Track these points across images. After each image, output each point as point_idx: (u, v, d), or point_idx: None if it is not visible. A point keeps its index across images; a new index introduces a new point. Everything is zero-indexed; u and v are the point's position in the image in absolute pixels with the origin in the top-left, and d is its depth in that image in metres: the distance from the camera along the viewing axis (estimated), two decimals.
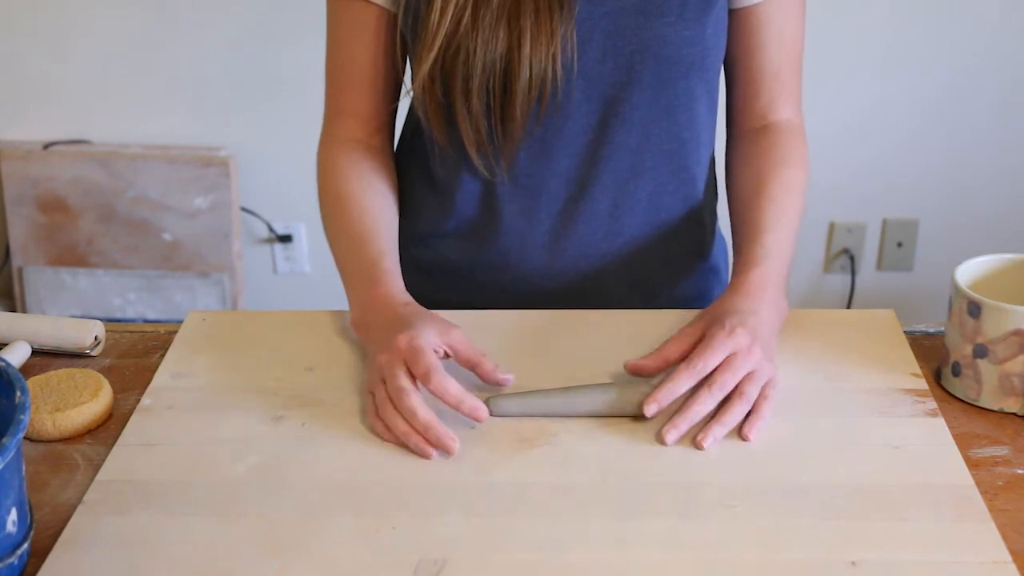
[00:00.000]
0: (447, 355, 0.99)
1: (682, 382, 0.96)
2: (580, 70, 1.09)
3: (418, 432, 0.93)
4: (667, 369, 1.00)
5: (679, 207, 1.20)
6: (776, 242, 1.08)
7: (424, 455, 0.93)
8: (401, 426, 0.94)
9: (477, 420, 0.95)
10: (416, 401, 0.94)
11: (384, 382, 0.97)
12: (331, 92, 1.20)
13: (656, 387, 0.96)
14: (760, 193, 1.12)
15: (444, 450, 0.93)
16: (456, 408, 0.95)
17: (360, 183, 1.16)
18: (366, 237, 1.11)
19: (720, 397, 0.96)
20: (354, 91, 1.18)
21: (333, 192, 1.16)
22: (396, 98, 1.20)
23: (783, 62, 1.16)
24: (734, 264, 1.10)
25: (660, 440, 0.94)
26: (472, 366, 0.99)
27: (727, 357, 0.97)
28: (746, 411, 0.96)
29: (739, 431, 0.95)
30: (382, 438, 0.96)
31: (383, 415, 0.95)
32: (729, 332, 0.97)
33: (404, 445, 0.94)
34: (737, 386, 0.96)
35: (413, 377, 0.96)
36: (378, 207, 1.15)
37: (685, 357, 0.99)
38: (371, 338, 1.02)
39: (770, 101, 1.17)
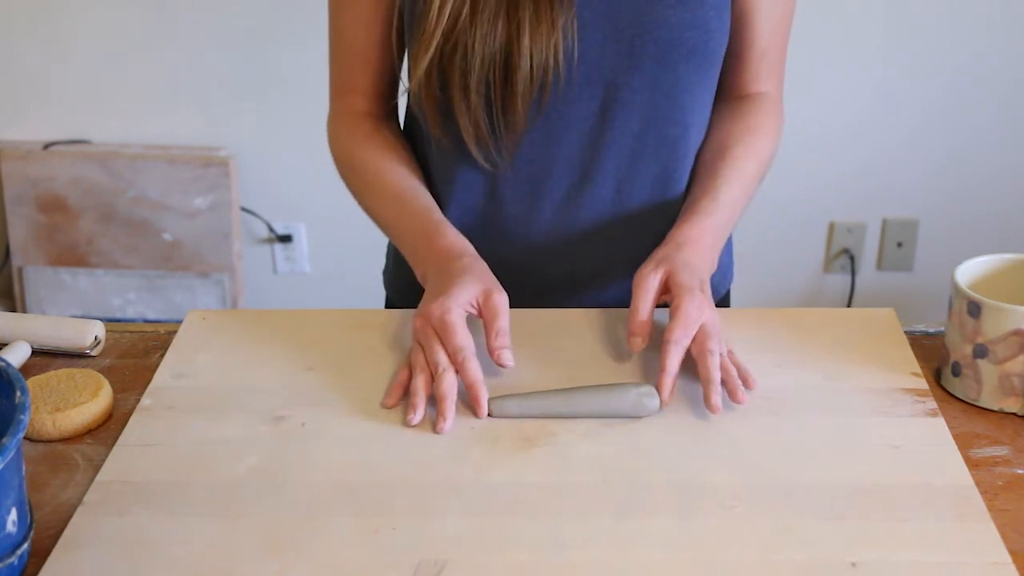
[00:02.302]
0: (479, 313, 1.02)
1: (676, 362, 0.98)
2: (580, 55, 1.09)
3: (426, 397, 0.97)
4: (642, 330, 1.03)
5: (684, 192, 1.20)
6: (728, 199, 1.12)
7: (407, 415, 0.96)
8: (419, 383, 0.98)
9: (476, 411, 0.97)
10: (449, 381, 0.97)
11: (422, 346, 1.00)
12: (335, 70, 1.21)
13: (659, 381, 0.98)
14: (724, 153, 1.16)
15: (437, 420, 0.96)
16: (468, 389, 0.98)
17: (382, 150, 1.18)
18: (410, 196, 1.14)
19: (719, 360, 0.98)
20: (359, 68, 1.19)
21: (360, 163, 1.18)
22: (399, 75, 1.21)
23: (770, 41, 1.18)
24: (683, 208, 1.13)
25: (715, 411, 0.96)
26: (485, 333, 1.01)
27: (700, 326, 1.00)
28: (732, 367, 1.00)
29: (745, 383, 1.00)
30: (393, 384, 1.00)
31: (413, 370, 1.00)
32: (699, 306, 1.00)
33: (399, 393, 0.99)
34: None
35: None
36: (409, 171, 1.18)
37: (654, 308, 1.03)
38: (426, 290, 1.06)
39: (754, 75, 1.20)
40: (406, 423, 0.97)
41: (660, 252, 1.07)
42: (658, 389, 0.97)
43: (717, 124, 1.20)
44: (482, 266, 1.06)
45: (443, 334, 0.99)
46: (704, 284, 1.04)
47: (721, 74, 1.19)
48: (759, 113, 1.19)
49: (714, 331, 1.00)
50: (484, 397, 0.97)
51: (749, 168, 1.15)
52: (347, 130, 1.20)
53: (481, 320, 1.02)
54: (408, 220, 1.13)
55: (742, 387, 0.99)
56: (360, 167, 1.19)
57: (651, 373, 1.03)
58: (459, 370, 0.98)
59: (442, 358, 0.98)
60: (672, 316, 1.00)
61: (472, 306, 1.02)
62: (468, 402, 0.98)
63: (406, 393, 1.00)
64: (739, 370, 1.01)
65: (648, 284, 1.04)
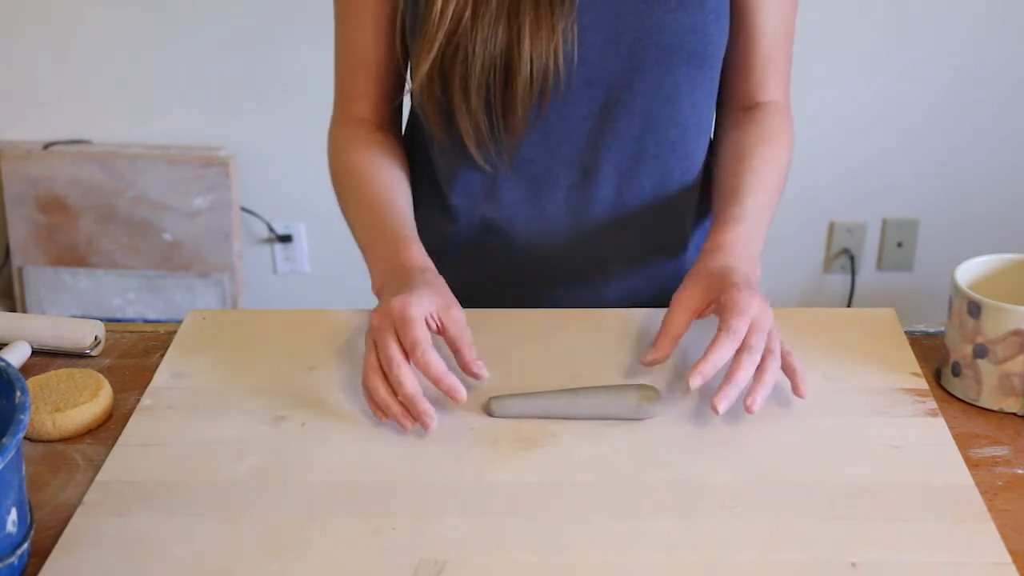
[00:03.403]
0: (439, 329, 1.00)
1: (726, 349, 0.94)
2: (581, 58, 1.09)
3: (400, 403, 0.95)
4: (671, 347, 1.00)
5: (683, 193, 1.20)
6: (755, 205, 1.09)
7: (402, 427, 0.94)
8: (382, 395, 0.95)
9: (455, 400, 0.95)
10: (404, 372, 0.94)
11: (375, 346, 0.97)
12: (340, 76, 1.21)
13: (700, 360, 0.94)
14: (742, 162, 1.14)
15: (421, 425, 0.94)
16: (436, 385, 0.95)
17: (374, 160, 1.17)
18: (383, 206, 1.13)
19: (758, 360, 0.95)
20: (364, 75, 1.19)
21: (348, 168, 1.17)
22: (403, 82, 1.21)
23: (774, 46, 1.17)
24: (712, 224, 1.11)
25: (713, 410, 0.93)
26: (454, 348, 0.99)
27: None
28: (779, 367, 0.96)
29: (794, 392, 0.97)
30: (369, 403, 0.97)
31: (367, 382, 0.96)
32: (748, 295, 0.97)
33: (381, 416, 0.96)
34: (766, 346, 0.96)
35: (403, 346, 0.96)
36: (394, 182, 1.16)
37: (687, 327, 0.99)
38: (382, 299, 1.03)
39: (759, 83, 1.18)
40: (404, 430, 0.95)
41: (693, 268, 1.04)
42: (691, 372, 0.93)
43: (729, 137, 1.18)
44: (442, 282, 1.04)
45: (402, 328, 0.96)
46: (750, 281, 1.00)
47: (727, 84, 1.19)
48: (770, 123, 1.17)
49: (759, 327, 0.95)
50: (456, 386, 0.94)
51: (769, 175, 1.13)
52: (343, 136, 1.20)
53: (441, 336, 1.00)
54: (377, 230, 1.11)
55: (761, 397, 0.93)
56: (346, 173, 1.18)
57: (652, 374, 1.03)
58: (421, 367, 0.95)
59: (394, 351, 0.95)
60: (725, 306, 0.96)
61: (432, 317, 0.99)
62: (461, 418, 0.97)
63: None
64: (793, 374, 0.97)
65: (683, 300, 1.01)
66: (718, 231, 1.07)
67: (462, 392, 0.95)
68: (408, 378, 0.94)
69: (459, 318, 1.00)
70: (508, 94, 1.08)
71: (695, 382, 0.93)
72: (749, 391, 0.94)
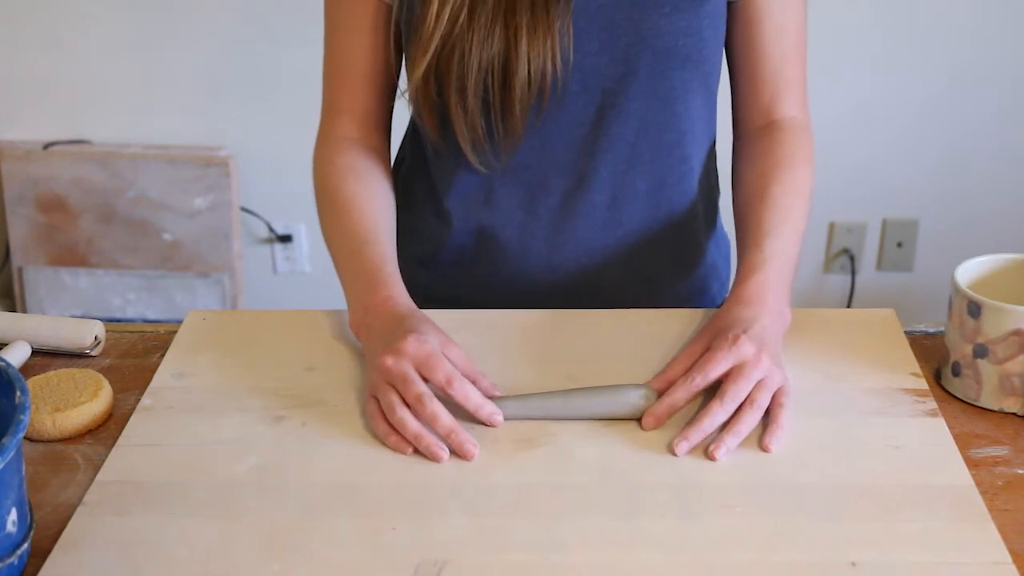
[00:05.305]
0: None
1: (679, 398, 0.96)
2: (576, 62, 1.09)
3: (441, 436, 0.94)
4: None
5: (679, 200, 1.20)
6: (776, 247, 1.08)
7: (435, 458, 0.93)
8: (413, 428, 0.94)
9: (492, 425, 0.96)
10: (438, 406, 0.94)
11: (392, 385, 0.96)
12: (328, 89, 1.20)
13: (656, 403, 0.97)
14: (762, 196, 1.12)
15: (464, 455, 0.93)
16: (475, 414, 0.96)
17: (358, 184, 1.15)
18: (367, 239, 1.11)
19: (732, 408, 0.95)
20: (351, 88, 1.18)
21: (331, 192, 1.16)
22: (393, 95, 1.20)
23: (785, 57, 1.15)
24: (736, 270, 1.09)
25: (671, 451, 0.93)
26: (471, 381, 0.98)
27: (735, 367, 0.96)
28: (757, 420, 0.95)
29: (759, 442, 0.94)
30: (385, 442, 0.95)
31: (392, 418, 0.95)
32: (732, 343, 0.97)
33: (406, 449, 0.94)
34: (748, 395, 0.95)
35: (425, 381, 0.96)
36: (377, 209, 1.15)
37: (682, 374, 0.99)
38: (373, 340, 1.02)
39: (773, 98, 1.16)
40: (436, 461, 0.93)
41: (712, 316, 1.04)
42: (647, 414, 0.96)
43: (749, 161, 1.16)
44: (432, 321, 1.03)
45: (429, 364, 0.95)
46: (751, 330, 0.98)
47: (740, 102, 1.18)
48: (788, 143, 1.15)
49: (743, 376, 0.95)
50: (495, 411, 0.96)
51: (792, 204, 1.11)
52: (327, 157, 1.18)
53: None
54: (358, 263, 1.10)
55: (727, 446, 0.92)
56: (329, 197, 1.16)
57: (652, 374, 1.03)
58: (461, 399, 0.95)
59: (423, 387, 0.95)
60: (703, 358, 0.97)
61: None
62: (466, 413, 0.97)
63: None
64: (770, 427, 0.94)
65: (688, 348, 1.01)
66: (740, 281, 1.06)
67: (500, 416, 0.96)
68: (445, 412, 0.94)
69: (462, 353, 1.00)
70: (506, 95, 1.08)
71: (651, 425, 0.96)
72: (717, 438, 0.93)
